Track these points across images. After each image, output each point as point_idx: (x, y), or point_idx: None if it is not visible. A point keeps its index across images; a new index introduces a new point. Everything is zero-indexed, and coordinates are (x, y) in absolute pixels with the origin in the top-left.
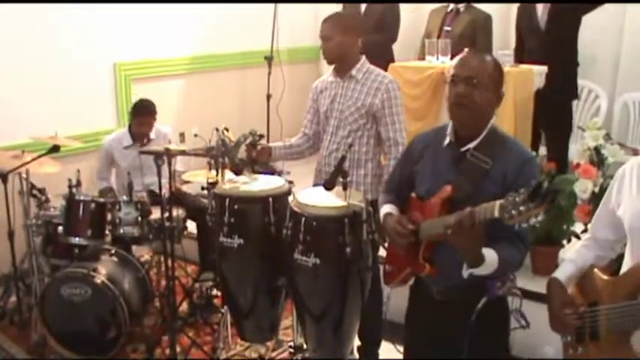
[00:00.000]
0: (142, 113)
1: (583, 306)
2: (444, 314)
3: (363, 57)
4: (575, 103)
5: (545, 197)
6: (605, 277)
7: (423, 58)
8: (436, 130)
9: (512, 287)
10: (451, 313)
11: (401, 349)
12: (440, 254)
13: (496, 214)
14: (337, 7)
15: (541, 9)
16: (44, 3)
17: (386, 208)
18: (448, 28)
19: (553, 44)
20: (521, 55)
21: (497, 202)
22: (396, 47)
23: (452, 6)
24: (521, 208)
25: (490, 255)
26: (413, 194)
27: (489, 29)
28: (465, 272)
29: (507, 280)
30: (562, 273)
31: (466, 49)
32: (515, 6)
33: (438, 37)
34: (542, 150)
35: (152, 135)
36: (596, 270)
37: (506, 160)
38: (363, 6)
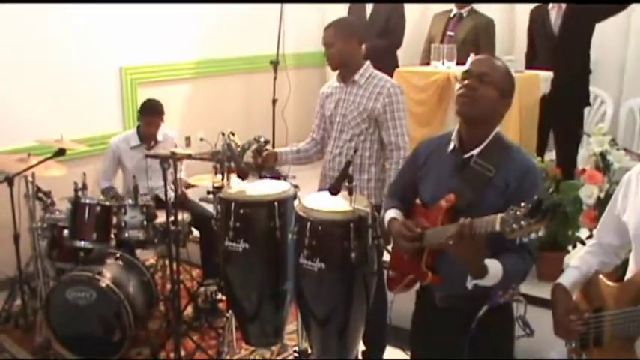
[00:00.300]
0: (151, 112)
1: (587, 312)
2: (448, 320)
3: (367, 62)
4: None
5: (546, 213)
6: (609, 282)
7: (427, 63)
8: (441, 137)
9: (514, 294)
10: (455, 320)
11: (409, 353)
12: (443, 262)
13: (497, 227)
14: (344, 9)
15: (554, 14)
16: (50, 3)
17: (390, 213)
18: (451, 34)
19: (566, 50)
20: (533, 60)
21: (499, 216)
22: (400, 52)
23: (455, 11)
24: (522, 222)
25: (495, 266)
26: (417, 201)
27: (492, 34)
28: (470, 283)
29: (509, 287)
30: (566, 279)
31: (472, 54)
32: (518, 11)
33: (441, 42)
34: (548, 155)
35: (160, 137)
36: (600, 276)
37: (508, 168)
38: (369, 8)
